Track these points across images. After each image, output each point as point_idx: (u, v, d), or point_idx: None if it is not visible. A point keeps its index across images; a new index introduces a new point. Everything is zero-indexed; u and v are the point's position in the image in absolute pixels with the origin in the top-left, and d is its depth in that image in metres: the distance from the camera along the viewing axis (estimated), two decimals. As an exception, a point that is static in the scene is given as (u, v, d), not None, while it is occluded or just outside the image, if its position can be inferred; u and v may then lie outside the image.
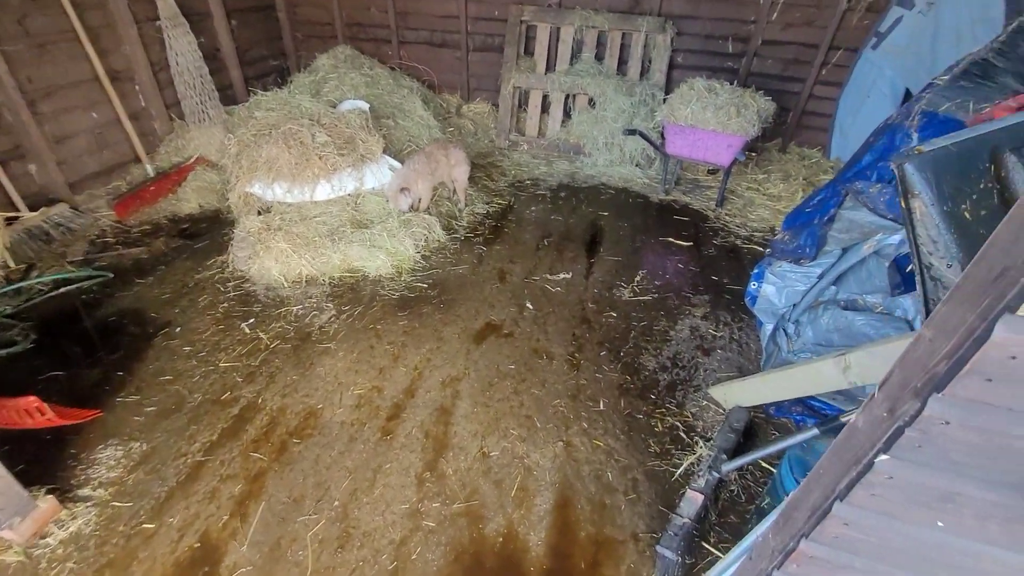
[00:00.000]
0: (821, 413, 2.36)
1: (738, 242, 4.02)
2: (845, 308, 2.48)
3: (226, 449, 2.23)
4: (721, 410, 2.51)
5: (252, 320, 2.95)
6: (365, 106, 4.25)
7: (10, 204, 3.31)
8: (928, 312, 1.02)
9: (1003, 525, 0.84)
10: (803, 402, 2.37)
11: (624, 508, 2.09)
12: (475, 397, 2.54)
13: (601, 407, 2.53)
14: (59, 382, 2.53)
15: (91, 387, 2.51)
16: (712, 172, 5.10)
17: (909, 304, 2.20)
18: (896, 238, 2.12)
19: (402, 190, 3.59)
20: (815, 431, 1.67)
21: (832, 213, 2.11)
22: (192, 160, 4.17)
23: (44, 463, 2.15)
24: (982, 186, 0.90)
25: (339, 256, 3.32)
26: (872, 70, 4.40)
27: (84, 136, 3.76)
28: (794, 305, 2.69)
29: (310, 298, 3.15)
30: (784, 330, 2.74)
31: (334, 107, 4.22)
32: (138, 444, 2.24)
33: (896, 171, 0.97)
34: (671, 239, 4.03)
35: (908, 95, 4.27)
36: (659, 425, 2.45)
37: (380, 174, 3.89)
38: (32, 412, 2.02)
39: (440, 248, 3.68)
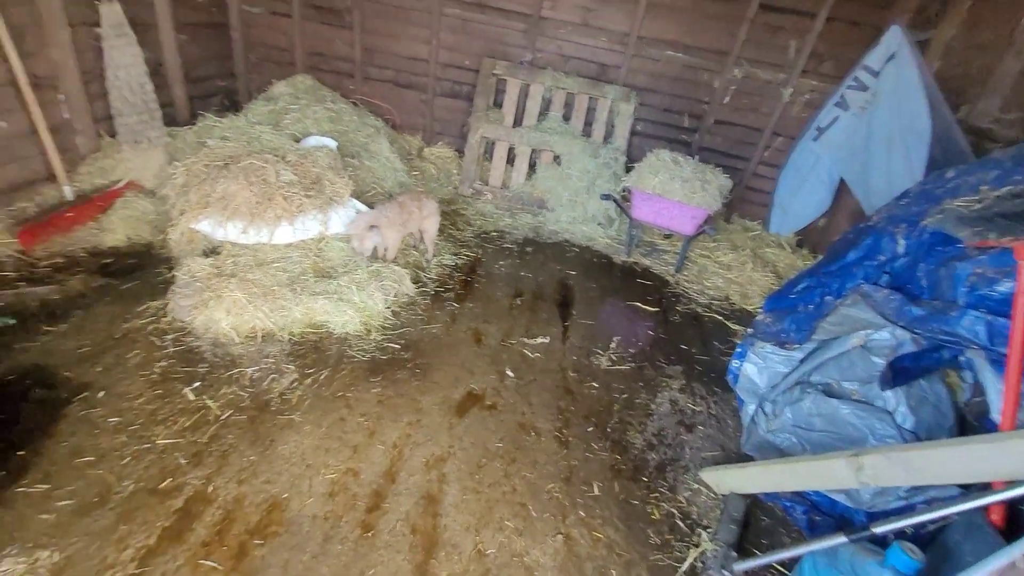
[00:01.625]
0: (809, 500, 2.40)
1: (699, 310, 4.17)
2: (824, 392, 2.59)
3: (168, 557, 1.82)
4: (713, 494, 2.49)
5: (197, 384, 2.53)
6: (333, 144, 3.98)
7: None
8: None
9: None
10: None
11: (633, 612, 1.96)
12: (464, 481, 2.32)
13: (596, 492, 2.40)
14: (-68, 464, 1.98)
15: (-22, 471, 1.98)
16: (667, 236, 5.33)
17: (889, 395, 2.32)
18: (885, 334, 2.26)
19: (371, 227, 3.35)
20: (843, 539, 1.66)
21: (829, 308, 2.20)
22: (122, 184, 3.64)
23: (-94, 585, 1.63)
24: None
25: (301, 309, 2.99)
26: (811, 158, 4.86)
27: (-14, 148, 3.17)
28: (773, 386, 2.77)
29: (267, 358, 2.78)
30: (762, 409, 2.80)
31: (297, 142, 3.92)
32: (48, 553, 1.77)
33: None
34: (638, 303, 4.09)
35: (841, 184, 4.77)
36: (655, 512, 2.37)
37: (346, 218, 3.62)
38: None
39: (410, 304, 3.45)
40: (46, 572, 1.72)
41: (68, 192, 3.45)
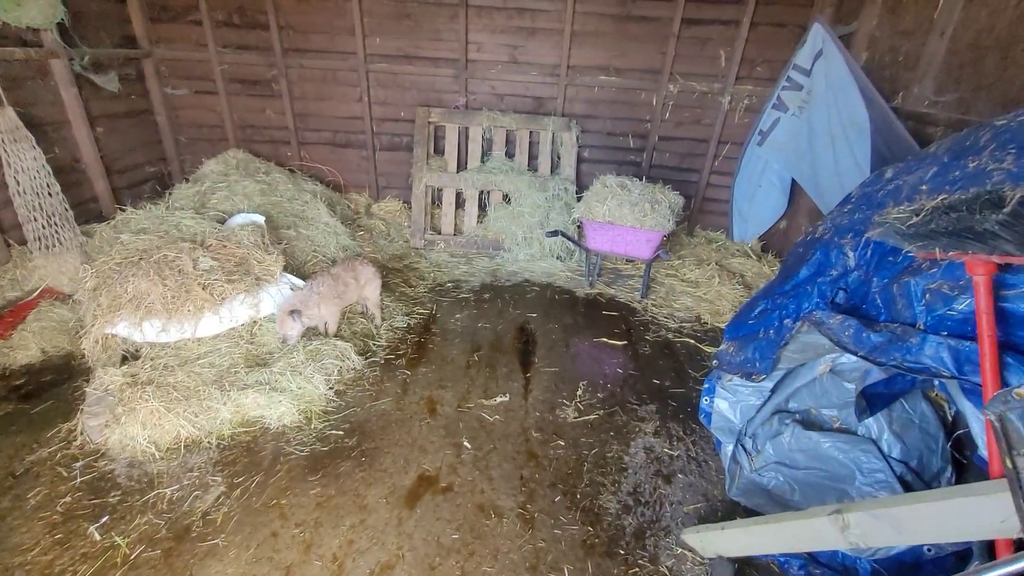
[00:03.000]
0: (806, 553, 2.14)
1: (670, 336, 3.95)
2: (801, 422, 2.35)
3: None
4: (700, 559, 2.21)
5: (106, 518, 2.23)
6: (260, 219, 3.79)
7: None
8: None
9: None
10: (785, 541, 2.13)
11: None
12: (414, 591, 2.03)
13: (567, 577, 2.12)
14: None
15: None
16: (630, 261, 5.16)
17: (871, 423, 2.10)
18: (852, 357, 2.04)
19: (291, 313, 3.06)
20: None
21: (789, 332, 1.99)
22: (35, 294, 3.40)
23: None
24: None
25: (230, 408, 2.72)
26: (760, 163, 4.77)
27: None
28: (749, 420, 2.54)
29: (191, 472, 2.49)
30: (743, 445, 2.56)
31: (223, 222, 3.72)
32: None
33: (996, 423, 0.80)
34: (604, 338, 3.87)
35: (794, 183, 4.66)
36: (636, 591, 2.09)
37: (280, 297, 3.39)
38: None
39: (357, 379, 3.20)
40: None
41: (-29, 313, 3.20)
